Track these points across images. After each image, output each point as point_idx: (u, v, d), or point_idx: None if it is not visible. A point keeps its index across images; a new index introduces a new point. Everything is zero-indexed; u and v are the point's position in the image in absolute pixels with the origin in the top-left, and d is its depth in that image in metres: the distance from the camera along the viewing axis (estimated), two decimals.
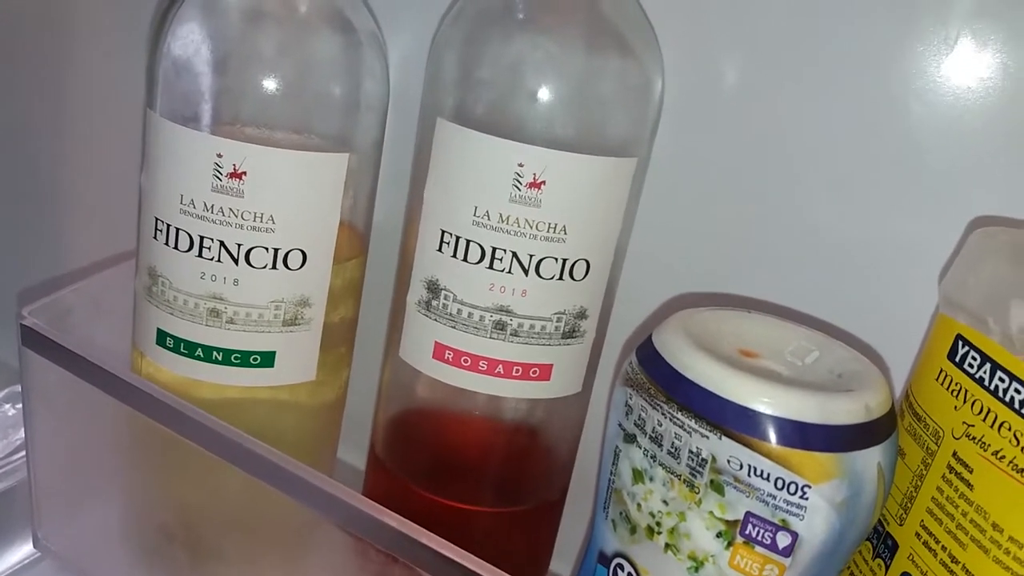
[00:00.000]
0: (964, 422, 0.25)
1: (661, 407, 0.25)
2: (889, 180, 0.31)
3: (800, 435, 0.23)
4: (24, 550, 0.42)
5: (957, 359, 0.25)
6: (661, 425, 0.25)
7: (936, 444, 0.26)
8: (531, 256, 0.31)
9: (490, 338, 0.31)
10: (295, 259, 0.32)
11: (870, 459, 0.24)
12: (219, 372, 0.33)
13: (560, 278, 0.31)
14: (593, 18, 0.31)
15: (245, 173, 0.30)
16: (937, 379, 0.26)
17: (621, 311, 0.35)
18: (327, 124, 0.33)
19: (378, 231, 0.38)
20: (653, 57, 0.32)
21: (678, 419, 0.24)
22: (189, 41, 0.31)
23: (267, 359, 0.33)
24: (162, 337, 0.33)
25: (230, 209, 0.31)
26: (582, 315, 0.32)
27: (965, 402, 0.25)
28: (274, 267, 0.32)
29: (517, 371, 0.32)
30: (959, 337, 0.25)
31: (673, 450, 0.25)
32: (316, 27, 0.33)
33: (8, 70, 0.51)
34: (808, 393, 0.24)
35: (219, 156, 0.30)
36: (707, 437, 0.24)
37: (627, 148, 0.32)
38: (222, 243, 0.31)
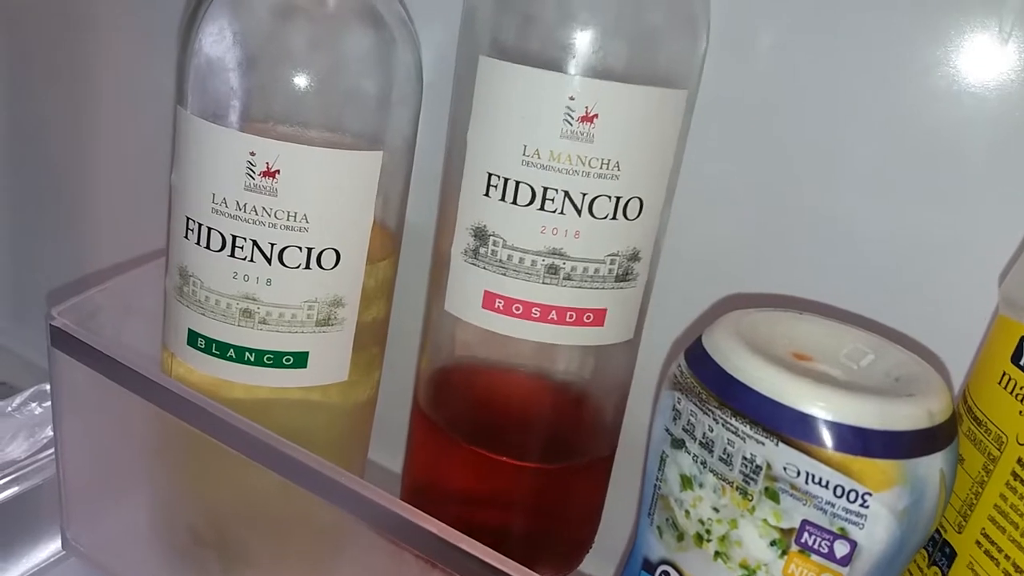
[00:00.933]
0: None
1: (712, 412, 0.24)
2: (944, 178, 0.30)
3: (861, 441, 0.22)
4: (51, 548, 0.42)
5: (1022, 362, 0.24)
6: (712, 430, 0.24)
7: (999, 450, 0.25)
8: (584, 195, 0.29)
9: (543, 283, 0.30)
10: (329, 258, 0.32)
11: (932, 465, 0.23)
12: (251, 373, 0.33)
13: (614, 217, 0.30)
14: None
15: (278, 171, 0.30)
16: (1000, 383, 0.25)
17: (667, 311, 0.34)
18: (360, 121, 0.33)
19: (410, 230, 0.37)
20: None
21: (731, 424, 0.24)
22: (220, 38, 0.31)
23: (300, 359, 0.33)
24: (193, 337, 0.33)
25: (263, 208, 0.30)
26: (635, 257, 0.31)
27: None
28: (307, 267, 0.31)
29: (571, 316, 0.31)
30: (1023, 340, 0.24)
31: (725, 456, 0.24)
32: (347, 22, 0.32)
33: (34, 69, 0.50)
34: (868, 397, 0.23)
35: (252, 154, 0.30)
36: (762, 443, 0.23)
37: (677, 79, 0.30)
38: (255, 242, 0.31)
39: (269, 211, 0.30)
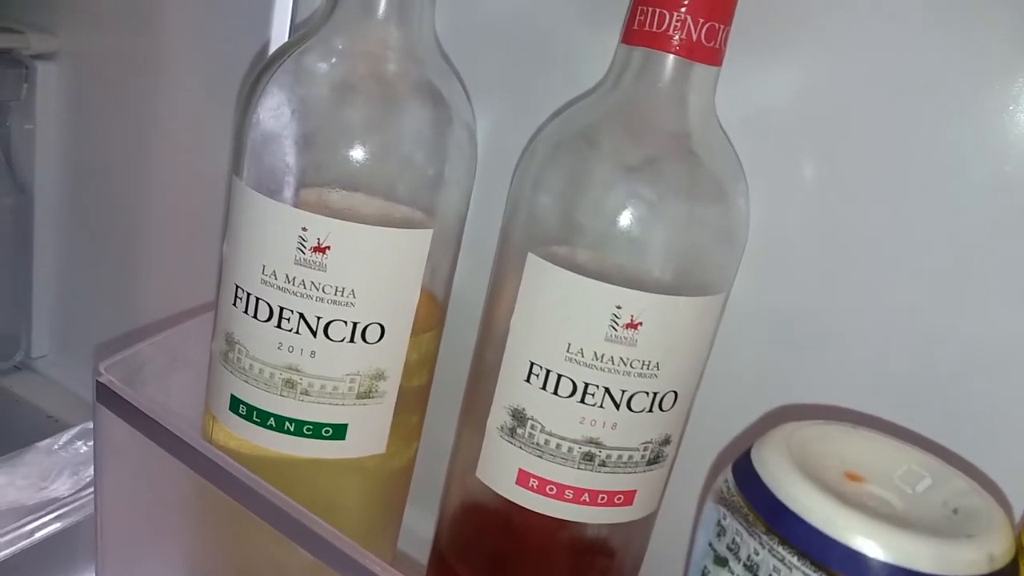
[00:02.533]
0: None
1: (759, 536, 0.23)
2: (1017, 278, 0.28)
3: None
4: None
5: None
6: (758, 555, 0.23)
7: None
8: (623, 392, 0.30)
9: (578, 468, 0.31)
10: (373, 333, 0.32)
11: None
12: (290, 443, 0.33)
13: (650, 411, 0.31)
14: (690, 162, 0.31)
15: (329, 248, 0.30)
16: None
17: (715, 420, 0.33)
18: (413, 198, 0.33)
19: (455, 299, 0.37)
20: (742, 191, 0.32)
21: (778, 552, 0.23)
22: (278, 113, 0.31)
23: (339, 432, 0.33)
24: (235, 403, 0.33)
25: (311, 282, 0.30)
26: (666, 442, 0.32)
27: None
28: (352, 340, 0.31)
29: (602, 499, 0.32)
30: None
31: None
32: (407, 101, 0.32)
33: (99, 115, 0.52)
34: (924, 537, 0.21)
35: (304, 230, 0.30)
36: None
37: (717, 286, 0.32)
38: (302, 315, 0.31)
39: (317, 285, 0.30)
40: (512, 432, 0.32)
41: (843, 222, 0.31)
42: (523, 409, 0.31)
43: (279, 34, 0.43)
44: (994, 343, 0.29)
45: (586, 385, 0.30)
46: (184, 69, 0.47)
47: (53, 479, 0.46)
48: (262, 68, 0.32)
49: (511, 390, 0.32)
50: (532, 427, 0.31)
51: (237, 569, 0.36)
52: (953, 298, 0.30)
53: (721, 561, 0.25)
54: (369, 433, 0.33)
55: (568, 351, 0.30)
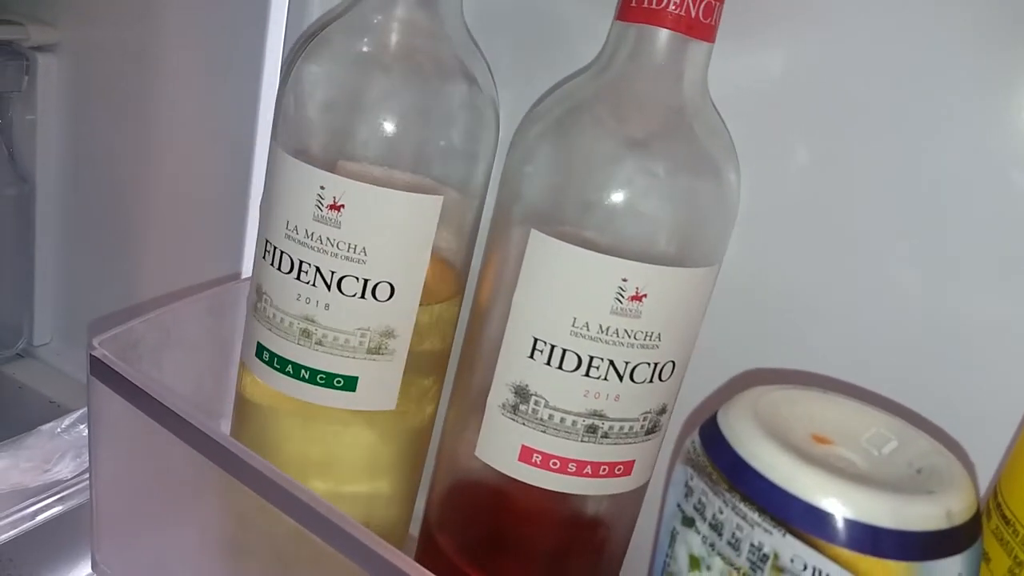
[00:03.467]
0: None
1: (723, 495, 0.24)
2: (984, 256, 0.29)
3: (872, 540, 0.21)
4: (88, 568, 0.43)
5: None
6: (722, 513, 0.24)
7: None
8: (627, 363, 0.31)
9: (581, 441, 0.32)
10: (383, 291, 0.33)
11: (949, 569, 0.22)
12: (304, 390, 0.34)
13: (650, 381, 0.31)
14: (688, 137, 0.31)
15: (343, 206, 0.32)
16: None
17: (687, 383, 0.34)
18: (430, 168, 0.34)
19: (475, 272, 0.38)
20: (734, 166, 0.32)
21: (740, 509, 0.23)
22: (308, 82, 0.33)
23: (350, 383, 0.34)
24: (260, 350, 0.35)
25: (327, 238, 0.32)
26: (663, 411, 0.33)
27: None
28: (363, 296, 0.33)
29: (604, 470, 0.32)
30: None
31: (733, 541, 0.23)
32: (434, 76, 0.34)
33: (98, 100, 0.52)
34: (883, 493, 0.22)
35: (322, 188, 0.32)
36: (770, 533, 0.22)
37: (715, 256, 0.32)
38: (318, 268, 0.33)
39: (332, 241, 0.32)
40: (515, 409, 0.32)
41: (813, 195, 0.32)
42: (526, 385, 0.32)
43: (276, 25, 0.44)
44: (966, 316, 0.30)
45: (591, 359, 0.30)
46: (182, 60, 0.48)
47: (56, 462, 0.47)
48: (302, 41, 0.35)
49: (513, 366, 0.32)
50: (536, 403, 0.31)
51: (232, 543, 0.36)
52: (919, 273, 0.30)
53: (688, 521, 0.25)
54: (379, 388, 0.35)
55: (574, 325, 0.30)
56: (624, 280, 0.30)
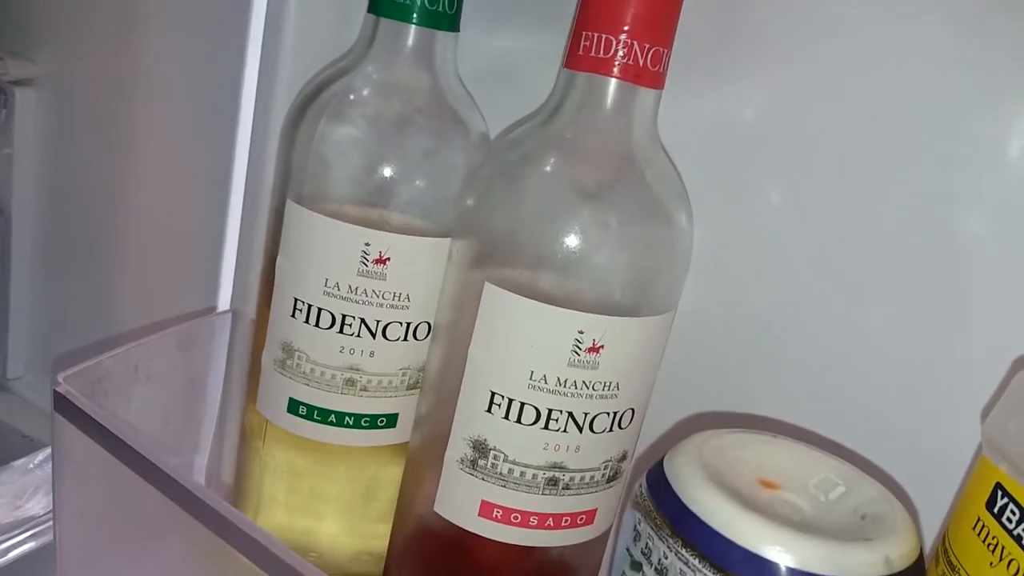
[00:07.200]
0: None
1: (667, 540, 0.24)
2: (938, 298, 0.29)
3: None
4: None
5: (996, 510, 0.23)
6: (667, 558, 0.24)
7: None
8: (586, 414, 0.30)
9: (542, 494, 0.31)
10: (423, 330, 0.35)
11: None
12: (349, 435, 0.36)
13: (610, 430, 0.31)
14: (640, 186, 0.31)
15: (389, 259, 0.33)
16: (974, 528, 0.24)
17: (647, 427, 0.34)
18: (450, 212, 0.35)
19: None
20: (687, 211, 0.32)
21: (683, 555, 0.23)
22: (337, 141, 0.34)
23: (391, 420, 0.36)
24: (294, 405, 0.36)
25: (372, 290, 0.34)
26: (623, 458, 0.32)
27: (1001, 559, 0.23)
28: (405, 339, 0.35)
29: (566, 521, 0.32)
30: (999, 486, 0.23)
31: None
32: (438, 126, 0.35)
33: (78, 132, 0.53)
34: (822, 541, 0.22)
35: (367, 244, 0.33)
36: None
37: (670, 302, 0.32)
38: (363, 320, 0.34)
39: (378, 293, 0.34)
40: (473, 464, 0.31)
41: (758, 232, 0.32)
42: (484, 440, 0.31)
43: (253, 59, 0.45)
44: (919, 361, 0.30)
45: (550, 411, 0.30)
46: (160, 95, 0.48)
47: (28, 498, 0.47)
48: (305, 99, 0.35)
49: (471, 421, 0.31)
50: (495, 457, 0.31)
51: None
52: (868, 317, 0.30)
53: (636, 566, 0.25)
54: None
55: (531, 379, 0.30)
56: (581, 332, 0.29)
